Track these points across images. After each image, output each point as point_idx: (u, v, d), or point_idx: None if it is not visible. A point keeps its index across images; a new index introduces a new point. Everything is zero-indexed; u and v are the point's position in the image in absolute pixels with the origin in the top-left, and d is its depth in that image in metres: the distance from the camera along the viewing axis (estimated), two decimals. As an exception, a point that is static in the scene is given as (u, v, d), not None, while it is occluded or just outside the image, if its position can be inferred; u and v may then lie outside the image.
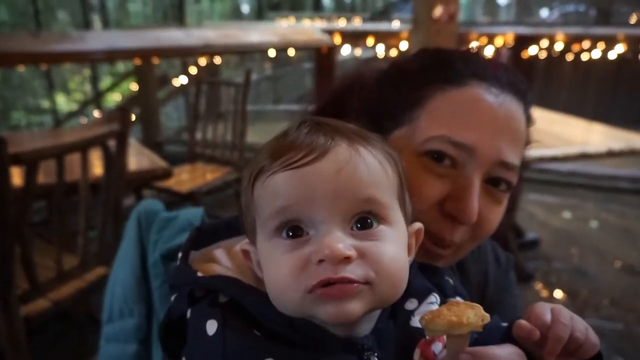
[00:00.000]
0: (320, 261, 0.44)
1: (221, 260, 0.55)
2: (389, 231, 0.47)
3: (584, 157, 2.88)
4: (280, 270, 0.46)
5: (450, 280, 0.58)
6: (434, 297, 0.53)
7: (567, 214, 4.03)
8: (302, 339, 0.47)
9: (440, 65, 0.65)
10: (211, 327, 0.48)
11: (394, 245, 0.47)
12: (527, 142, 0.67)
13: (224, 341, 0.47)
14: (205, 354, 0.48)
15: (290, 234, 0.46)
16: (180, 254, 0.56)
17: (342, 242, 0.44)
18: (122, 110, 2.03)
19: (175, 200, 2.87)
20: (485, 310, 0.44)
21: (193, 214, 0.79)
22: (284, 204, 0.46)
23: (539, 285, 2.99)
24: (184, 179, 3.07)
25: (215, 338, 0.47)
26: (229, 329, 0.47)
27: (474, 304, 0.44)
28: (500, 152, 0.61)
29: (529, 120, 0.67)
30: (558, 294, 2.91)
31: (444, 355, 0.46)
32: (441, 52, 0.69)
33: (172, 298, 0.53)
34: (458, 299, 0.54)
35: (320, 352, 0.46)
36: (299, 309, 0.45)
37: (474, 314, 0.43)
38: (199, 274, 0.52)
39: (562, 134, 3.11)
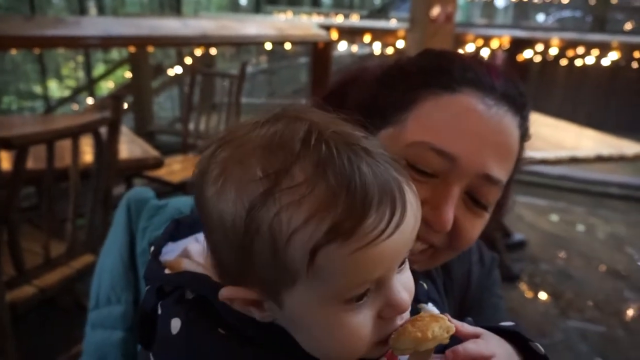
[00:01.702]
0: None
1: (194, 255, 0.53)
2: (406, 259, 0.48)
3: (574, 161, 2.91)
4: (352, 333, 0.42)
5: (424, 285, 0.58)
6: None
7: (555, 217, 4.07)
8: (268, 339, 0.46)
9: (437, 69, 0.64)
10: (175, 325, 0.46)
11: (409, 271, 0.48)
12: (519, 158, 0.65)
13: (186, 341, 0.46)
14: (168, 353, 0.47)
15: (362, 296, 0.42)
16: (152, 248, 0.54)
17: (404, 293, 0.44)
18: (115, 97, 2.01)
19: (166, 190, 2.86)
20: (465, 309, 0.45)
21: (183, 202, 0.78)
22: (375, 275, 0.42)
23: (524, 286, 3.02)
24: (176, 169, 3.06)
25: (177, 337, 0.46)
26: (192, 328, 0.46)
27: (439, 315, 0.45)
28: (484, 165, 0.60)
29: (524, 135, 0.65)
30: (542, 295, 2.95)
31: None
32: (443, 56, 0.67)
33: (145, 290, 0.53)
34: (430, 305, 0.55)
35: (287, 354, 0.45)
36: (365, 355, 0.45)
37: (438, 327, 0.43)
38: (167, 271, 0.50)
39: (554, 138, 3.14)
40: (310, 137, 0.41)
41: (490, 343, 0.48)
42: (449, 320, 0.44)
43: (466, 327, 0.48)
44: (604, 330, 2.63)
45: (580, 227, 3.90)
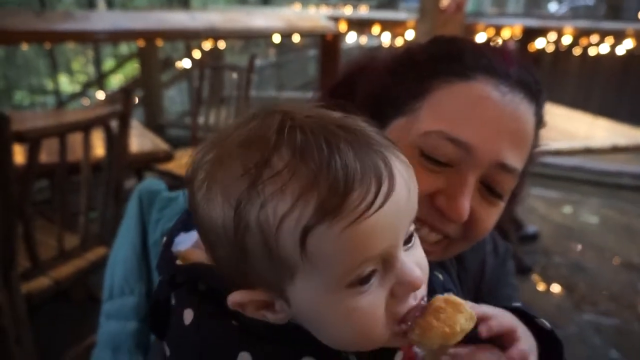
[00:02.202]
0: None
1: None
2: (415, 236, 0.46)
3: (588, 151, 2.86)
4: (365, 316, 0.41)
5: (440, 276, 0.57)
6: None
7: (568, 209, 4.02)
8: (279, 334, 0.45)
9: (449, 57, 0.63)
10: (188, 316, 0.47)
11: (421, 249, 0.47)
12: (535, 145, 0.64)
13: (199, 331, 0.46)
14: (181, 344, 0.47)
15: (368, 277, 0.41)
16: (164, 239, 0.54)
17: (416, 270, 0.43)
18: (125, 91, 2.02)
19: (176, 183, 2.86)
20: (480, 299, 0.44)
21: (195, 194, 0.78)
22: (374, 252, 0.40)
23: (536, 279, 2.99)
24: (186, 162, 3.07)
25: (190, 328, 0.46)
26: (204, 319, 0.46)
27: (459, 303, 0.43)
28: (500, 153, 0.59)
29: (539, 122, 0.64)
30: (556, 288, 2.92)
31: (424, 355, 0.46)
32: (454, 43, 0.66)
33: (158, 280, 0.53)
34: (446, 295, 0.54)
35: (298, 349, 0.45)
36: (387, 342, 0.44)
37: (464, 319, 0.42)
38: (178, 262, 0.50)
39: (567, 128, 3.09)
40: (284, 126, 0.41)
41: (507, 318, 0.49)
42: (470, 307, 0.44)
43: (483, 309, 0.48)
44: (619, 323, 2.60)
45: (594, 219, 3.85)
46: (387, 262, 0.41)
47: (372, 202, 0.39)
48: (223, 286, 0.46)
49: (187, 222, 0.55)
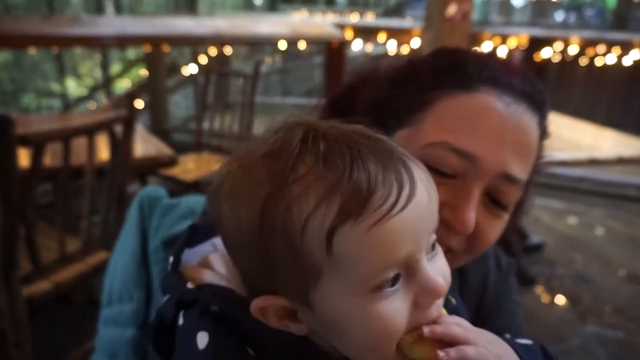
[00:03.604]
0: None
1: (215, 265, 0.51)
2: (438, 246, 0.46)
3: (594, 162, 2.85)
4: (387, 322, 0.41)
5: (453, 300, 0.55)
6: None
7: (572, 220, 3.99)
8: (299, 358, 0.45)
9: (452, 68, 0.63)
10: (202, 340, 0.45)
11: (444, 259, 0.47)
12: (539, 156, 0.64)
13: (214, 358, 0.44)
14: None
15: (392, 282, 0.41)
16: (171, 259, 0.53)
17: (439, 278, 0.43)
18: (129, 95, 2.03)
19: (180, 188, 2.88)
20: (482, 314, 0.44)
21: (195, 201, 0.78)
22: (399, 254, 0.40)
23: (540, 290, 2.97)
24: (190, 167, 3.08)
25: (205, 353, 0.44)
26: (220, 346, 0.44)
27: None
28: (504, 164, 0.58)
29: (543, 133, 0.64)
30: (560, 299, 2.90)
31: None
32: (456, 54, 0.66)
33: (164, 300, 0.51)
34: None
35: None
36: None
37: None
38: (189, 285, 0.48)
39: (572, 139, 3.07)
40: (307, 136, 0.42)
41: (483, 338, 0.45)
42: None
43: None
44: (623, 336, 2.57)
45: (599, 230, 3.82)
46: (411, 268, 0.42)
47: (395, 203, 0.39)
48: (237, 311, 0.45)
49: (191, 238, 0.54)
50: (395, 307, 0.41)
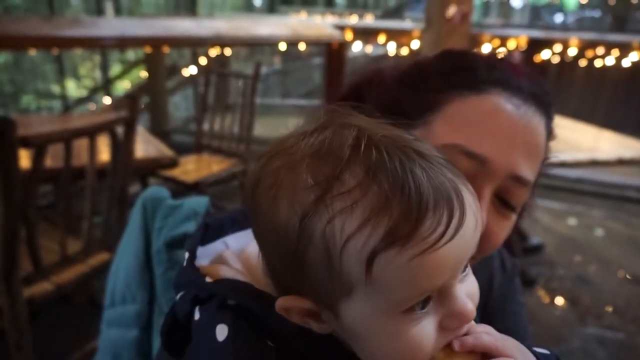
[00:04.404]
0: None
1: (230, 261, 0.52)
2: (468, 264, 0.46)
3: (594, 164, 2.85)
4: (415, 344, 0.41)
5: None
6: None
7: (572, 221, 4.00)
8: (318, 355, 0.45)
9: (462, 70, 0.63)
10: (221, 332, 0.45)
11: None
12: (545, 158, 0.65)
13: (234, 349, 0.44)
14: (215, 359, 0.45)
15: (423, 305, 0.41)
16: (187, 254, 0.53)
17: (469, 304, 0.42)
18: (131, 97, 2.03)
19: (181, 189, 2.88)
20: (487, 316, 0.44)
21: (198, 202, 0.78)
22: (438, 283, 0.40)
23: (540, 291, 2.97)
24: (190, 169, 3.08)
25: (225, 345, 0.44)
26: (240, 338, 0.44)
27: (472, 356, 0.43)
28: (515, 165, 0.58)
29: (550, 134, 0.65)
30: (560, 300, 2.90)
31: None
32: (465, 56, 0.66)
33: (178, 297, 0.51)
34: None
35: None
36: None
37: None
38: (208, 279, 0.48)
39: (571, 140, 3.08)
40: (359, 143, 0.40)
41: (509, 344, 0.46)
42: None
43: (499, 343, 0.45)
44: (623, 337, 2.57)
45: (599, 232, 3.82)
46: (443, 291, 0.41)
47: (444, 234, 0.38)
48: (255, 304, 0.45)
49: (204, 236, 0.54)
50: (425, 329, 0.41)
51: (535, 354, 0.48)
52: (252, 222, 0.47)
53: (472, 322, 0.45)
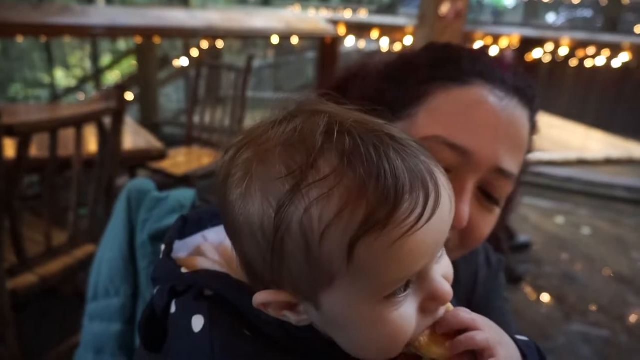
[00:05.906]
0: None
1: (208, 253, 0.51)
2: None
3: (582, 163, 2.88)
4: (397, 328, 0.41)
5: None
6: None
7: (560, 219, 4.04)
8: (295, 342, 0.44)
9: (446, 62, 0.63)
10: (197, 323, 0.44)
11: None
12: (529, 151, 0.65)
13: (211, 340, 0.43)
14: (191, 352, 0.44)
15: (404, 288, 0.41)
16: (163, 247, 0.52)
17: (447, 285, 0.42)
18: (119, 87, 2.00)
19: (170, 182, 2.86)
20: (472, 311, 0.44)
21: (184, 195, 0.77)
22: (419, 266, 0.40)
23: (527, 288, 3.00)
24: (180, 161, 3.05)
25: (201, 335, 0.44)
26: (216, 328, 0.43)
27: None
28: (497, 158, 0.59)
29: (533, 128, 0.65)
30: (546, 297, 2.93)
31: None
32: (449, 49, 0.66)
33: (155, 291, 0.50)
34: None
35: (316, 357, 0.44)
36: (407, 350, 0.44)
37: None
38: (183, 269, 0.47)
39: (561, 139, 3.10)
40: (332, 129, 0.40)
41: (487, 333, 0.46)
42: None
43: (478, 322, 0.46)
44: (607, 334, 2.61)
45: (586, 230, 3.87)
46: (422, 274, 0.41)
47: (421, 215, 0.38)
48: (232, 294, 0.45)
49: (182, 229, 0.53)
50: (406, 312, 0.41)
51: (514, 340, 0.48)
52: (223, 217, 0.45)
53: (450, 305, 0.45)
